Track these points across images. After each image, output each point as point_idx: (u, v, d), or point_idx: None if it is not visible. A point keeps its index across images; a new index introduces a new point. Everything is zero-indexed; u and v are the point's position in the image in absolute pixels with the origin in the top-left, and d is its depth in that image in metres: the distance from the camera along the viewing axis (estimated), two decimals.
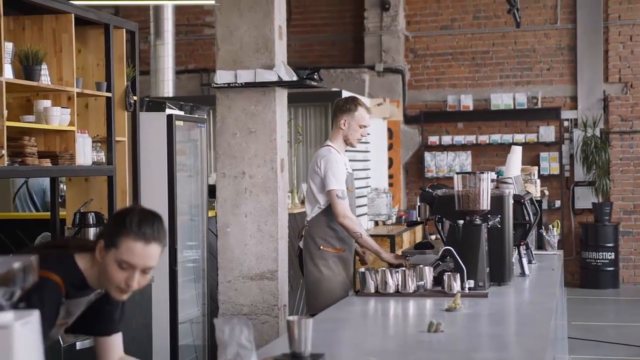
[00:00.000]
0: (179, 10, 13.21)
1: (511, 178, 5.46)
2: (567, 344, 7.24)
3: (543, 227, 6.84)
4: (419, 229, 11.28)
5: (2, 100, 4.85)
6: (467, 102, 13.46)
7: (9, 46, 5.08)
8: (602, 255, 12.77)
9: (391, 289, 4.43)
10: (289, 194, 8.24)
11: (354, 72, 13.31)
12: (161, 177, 6.74)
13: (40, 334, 2.61)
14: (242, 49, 5.98)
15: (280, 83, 5.93)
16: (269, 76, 5.92)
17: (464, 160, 13.43)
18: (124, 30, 6.27)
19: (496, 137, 13.28)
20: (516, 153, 5.93)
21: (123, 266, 2.80)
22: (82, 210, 5.69)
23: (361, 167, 10.49)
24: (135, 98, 6.32)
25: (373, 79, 13.38)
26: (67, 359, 4.75)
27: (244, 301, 5.96)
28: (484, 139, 13.35)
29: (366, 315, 4.13)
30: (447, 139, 13.47)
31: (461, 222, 4.61)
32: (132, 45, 6.46)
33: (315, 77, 6.26)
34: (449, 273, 4.43)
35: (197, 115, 7.63)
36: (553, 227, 6.76)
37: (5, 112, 4.90)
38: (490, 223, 4.70)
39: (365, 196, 10.53)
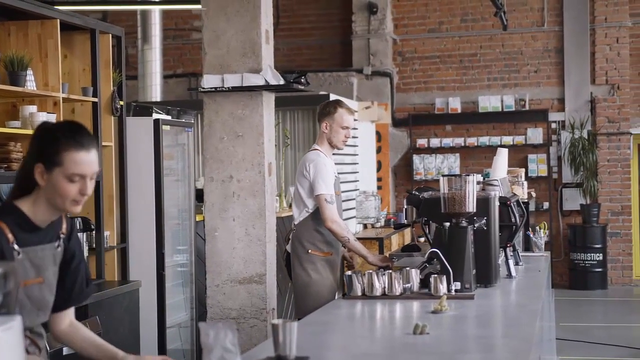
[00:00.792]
0: (166, 14, 13.21)
1: (497, 180, 5.47)
2: (555, 345, 7.26)
3: (530, 228, 6.86)
4: (407, 231, 11.30)
5: None
6: (455, 104, 13.50)
7: None
8: (591, 256, 12.81)
9: (378, 291, 4.44)
10: (277, 198, 8.24)
11: (342, 75, 13.33)
12: (148, 182, 6.74)
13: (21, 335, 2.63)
14: (229, 53, 5.99)
15: (267, 87, 5.93)
16: (256, 80, 5.92)
17: (453, 162, 13.46)
18: (110, 35, 6.27)
19: (484, 140, 13.32)
20: (502, 155, 5.95)
21: (74, 179, 2.80)
22: (69, 215, 5.67)
23: (350, 170, 10.50)
24: (122, 103, 6.32)
25: (361, 82, 13.40)
26: None
27: (233, 305, 5.96)
28: (472, 141, 13.38)
29: (353, 318, 4.14)
30: (435, 142, 13.49)
31: (447, 224, 4.61)
32: (119, 50, 6.46)
33: (302, 81, 6.27)
34: (436, 275, 4.43)
35: (184, 120, 7.62)
36: (540, 228, 6.77)
37: None
38: (476, 225, 4.71)
39: (354, 199, 10.54)
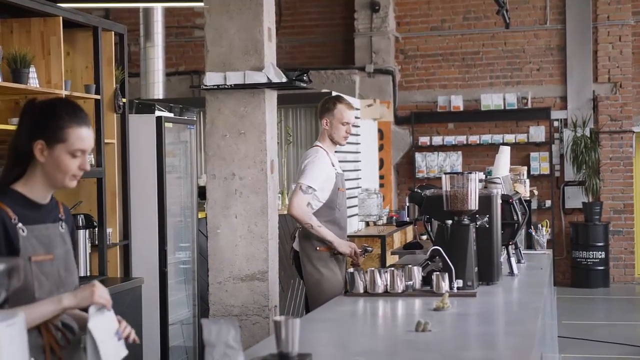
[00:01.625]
0: (169, 12, 13.22)
1: (499, 178, 5.48)
2: (557, 343, 7.26)
3: (532, 226, 6.86)
4: (409, 229, 11.31)
5: None
6: (458, 102, 13.49)
7: None
8: (593, 254, 12.81)
9: (380, 289, 4.44)
10: (279, 195, 8.24)
11: (344, 73, 13.33)
12: (151, 179, 6.74)
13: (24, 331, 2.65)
14: (232, 51, 5.99)
15: (270, 85, 5.94)
16: (258, 78, 5.92)
17: (455, 160, 13.46)
18: (113, 32, 6.28)
19: (486, 138, 13.31)
20: (504, 153, 5.95)
21: (76, 154, 2.86)
22: (71, 213, 5.68)
23: (352, 168, 10.51)
24: (124, 100, 6.32)
25: (363, 80, 13.40)
26: None
27: (235, 302, 5.96)
28: (474, 139, 13.38)
29: (355, 315, 4.14)
30: (437, 140, 13.49)
31: (449, 222, 4.62)
32: (121, 47, 6.46)
33: (304, 78, 6.27)
34: (438, 273, 4.44)
35: (186, 117, 7.62)
36: (542, 226, 6.78)
37: None
38: (478, 223, 4.71)
39: (356, 197, 10.54)
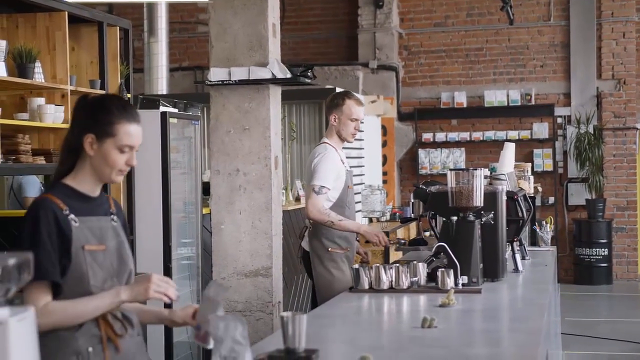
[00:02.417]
0: (172, 7, 13.21)
1: (504, 174, 5.47)
2: (560, 340, 7.27)
3: (536, 223, 6.86)
4: (413, 225, 11.32)
5: None
6: (461, 99, 13.48)
7: (2, 44, 5.08)
8: (596, 251, 12.81)
9: (385, 285, 4.44)
10: (283, 191, 8.25)
11: (347, 69, 13.33)
12: (155, 175, 6.74)
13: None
14: (236, 46, 5.99)
15: (274, 80, 5.94)
16: (263, 74, 5.92)
17: (458, 157, 13.46)
18: (118, 28, 6.27)
19: (490, 134, 13.31)
20: (509, 149, 5.94)
21: (124, 150, 2.91)
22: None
23: (355, 164, 10.50)
24: (129, 95, 6.32)
25: (367, 76, 13.40)
26: None
27: (239, 298, 5.97)
28: (477, 135, 13.37)
29: (361, 311, 4.14)
30: (440, 136, 13.49)
31: (454, 218, 4.61)
32: (126, 42, 6.46)
33: (309, 74, 6.27)
34: (443, 269, 4.44)
35: (191, 113, 7.62)
36: (546, 223, 6.77)
37: None
38: (483, 219, 4.71)
39: (360, 193, 10.54)
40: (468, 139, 13.40)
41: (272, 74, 5.91)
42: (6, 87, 5.25)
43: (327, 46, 14.18)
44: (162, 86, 11.65)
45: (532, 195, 6.66)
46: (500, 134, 13.23)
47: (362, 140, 10.94)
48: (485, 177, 5.05)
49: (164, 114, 6.78)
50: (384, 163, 12.94)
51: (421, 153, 13.54)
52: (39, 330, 2.86)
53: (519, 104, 13.30)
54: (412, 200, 5.41)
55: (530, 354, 3.01)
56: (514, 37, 13.49)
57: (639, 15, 13.22)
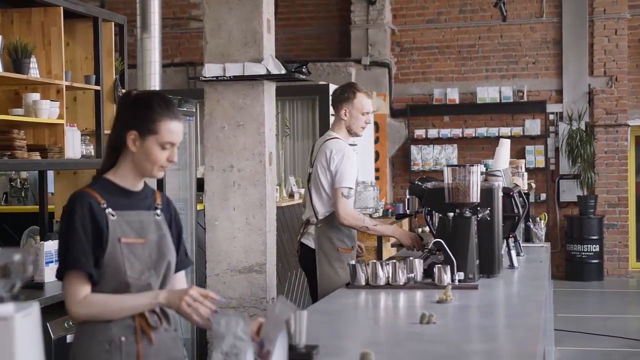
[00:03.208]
0: (164, 3, 13.10)
1: (500, 171, 5.48)
2: (553, 336, 7.28)
3: (530, 219, 6.87)
4: (405, 221, 11.32)
5: None
6: (453, 95, 13.50)
7: None
8: (587, 247, 12.84)
9: (382, 281, 4.44)
10: (277, 187, 8.24)
11: (340, 65, 13.32)
12: None
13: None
14: (231, 42, 5.99)
15: (269, 76, 5.93)
16: (258, 69, 5.92)
17: (450, 153, 13.47)
18: (113, 23, 6.25)
19: (482, 131, 13.33)
20: (505, 146, 5.94)
21: (166, 147, 2.96)
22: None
23: None
24: (123, 91, 6.30)
25: (359, 73, 13.39)
26: (57, 351, 4.74)
27: (233, 294, 5.97)
28: (470, 132, 13.39)
29: (358, 307, 4.14)
30: (433, 133, 13.49)
31: (451, 214, 4.62)
32: (121, 38, 6.44)
33: (303, 70, 6.27)
34: (439, 265, 4.44)
35: (185, 109, 7.60)
36: (540, 219, 6.79)
37: None
38: (479, 215, 4.71)
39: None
40: (460, 135, 13.41)
41: (267, 69, 5.91)
42: (1, 83, 5.23)
43: (320, 42, 14.17)
44: (154, 82, 11.54)
45: (527, 191, 6.67)
46: (493, 131, 13.25)
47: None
48: (481, 173, 5.05)
49: None
50: (376, 159, 12.95)
51: (413, 149, 13.55)
52: (77, 319, 2.94)
53: (511, 100, 13.32)
54: (408, 197, 5.40)
55: (530, 350, 3.01)
56: (507, 34, 13.50)
57: (631, 12, 13.25)
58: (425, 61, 13.74)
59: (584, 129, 12.96)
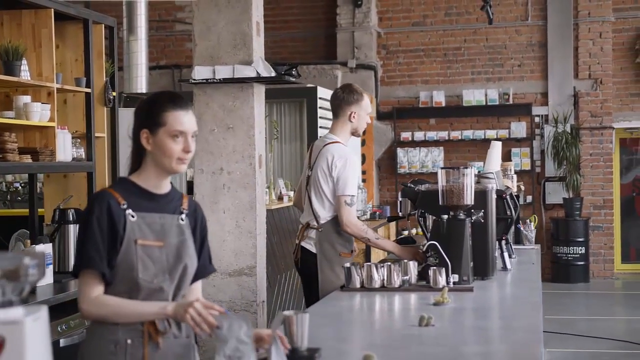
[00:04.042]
0: (150, 6, 13.13)
1: (492, 173, 5.49)
2: (542, 338, 7.30)
3: (520, 221, 6.88)
4: (392, 224, 11.33)
5: None
6: (439, 98, 13.52)
7: None
8: (573, 249, 12.89)
9: (377, 283, 4.43)
10: (266, 190, 8.23)
11: (326, 68, 13.32)
12: None
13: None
14: (220, 44, 5.98)
15: (259, 79, 5.92)
16: (248, 72, 5.91)
17: (436, 156, 13.49)
18: (103, 25, 6.22)
19: (468, 133, 13.36)
20: (496, 148, 5.95)
21: (177, 136, 2.96)
22: (61, 207, 5.64)
23: None
24: (114, 94, 6.27)
25: (345, 75, 13.39)
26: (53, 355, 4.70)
27: (223, 297, 5.95)
28: (456, 135, 13.41)
29: (355, 310, 4.13)
30: (419, 135, 13.51)
31: (445, 217, 4.62)
32: (111, 41, 6.41)
33: (293, 73, 6.26)
34: (435, 268, 4.43)
35: None
36: (530, 221, 6.80)
37: None
38: (473, 218, 4.71)
39: None
40: (446, 138, 13.44)
41: (257, 72, 5.90)
42: None
43: (305, 45, 14.17)
44: (141, 84, 11.57)
45: (517, 193, 6.68)
46: (479, 133, 13.28)
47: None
48: (475, 175, 5.05)
49: None
50: (362, 162, 12.95)
51: (400, 152, 13.56)
52: (87, 317, 2.96)
53: (497, 103, 13.36)
54: (400, 199, 5.39)
55: (533, 351, 3.01)
56: (492, 37, 13.54)
57: (615, 15, 13.31)
58: (411, 64, 13.76)
59: (569, 131, 13.01)
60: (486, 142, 13.07)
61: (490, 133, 13.21)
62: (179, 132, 2.96)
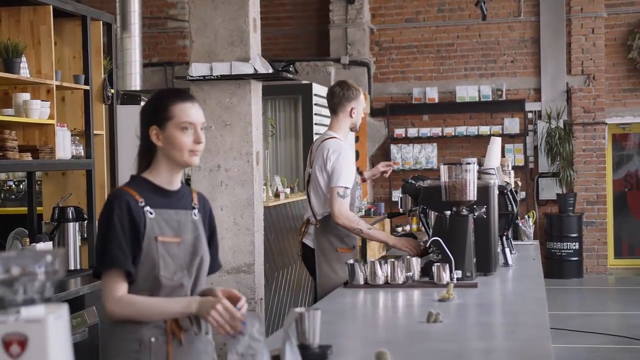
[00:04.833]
0: (142, 3, 13.08)
1: (493, 169, 5.49)
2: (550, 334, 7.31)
3: (518, 217, 6.88)
4: (387, 221, 11.33)
5: None
6: (433, 94, 13.52)
7: None
8: (567, 245, 12.92)
9: (380, 280, 4.42)
10: (263, 187, 8.21)
11: (319, 65, 13.31)
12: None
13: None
14: (217, 41, 5.96)
15: (256, 76, 5.90)
16: (245, 69, 5.89)
17: (430, 152, 13.50)
18: (101, 22, 6.19)
19: (461, 129, 13.36)
20: (496, 144, 5.94)
21: (186, 128, 2.96)
22: (60, 205, 5.61)
23: None
24: (112, 91, 6.25)
25: (339, 72, 13.38)
26: None
27: None
28: (449, 131, 13.42)
29: (359, 306, 4.12)
30: (412, 132, 13.52)
31: (448, 213, 4.61)
32: (109, 37, 6.38)
33: (290, 69, 6.25)
34: (438, 264, 4.43)
35: None
36: (529, 217, 6.81)
37: None
38: (476, 213, 4.71)
39: None
40: (440, 134, 13.44)
41: (255, 69, 5.88)
42: None
43: (298, 42, 14.15)
44: (135, 82, 11.53)
45: (515, 189, 6.68)
46: (472, 129, 13.29)
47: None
48: (478, 171, 5.05)
49: None
50: (356, 159, 12.93)
51: (393, 148, 13.56)
52: (112, 317, 2.93)
53: (490, 99, 13.37)
54: (401, 195, 5.39)
55: (544, 346, 3.01)
56: (485, 33, 13.55)
57: (607, 11, 13.34)
58: (404, 60, 13.75)
59: (562, 127, 13.04)
60: (479, 138, 13.11)
61: (484, 129, 13.22)
62: (188, 123, 2.96)
